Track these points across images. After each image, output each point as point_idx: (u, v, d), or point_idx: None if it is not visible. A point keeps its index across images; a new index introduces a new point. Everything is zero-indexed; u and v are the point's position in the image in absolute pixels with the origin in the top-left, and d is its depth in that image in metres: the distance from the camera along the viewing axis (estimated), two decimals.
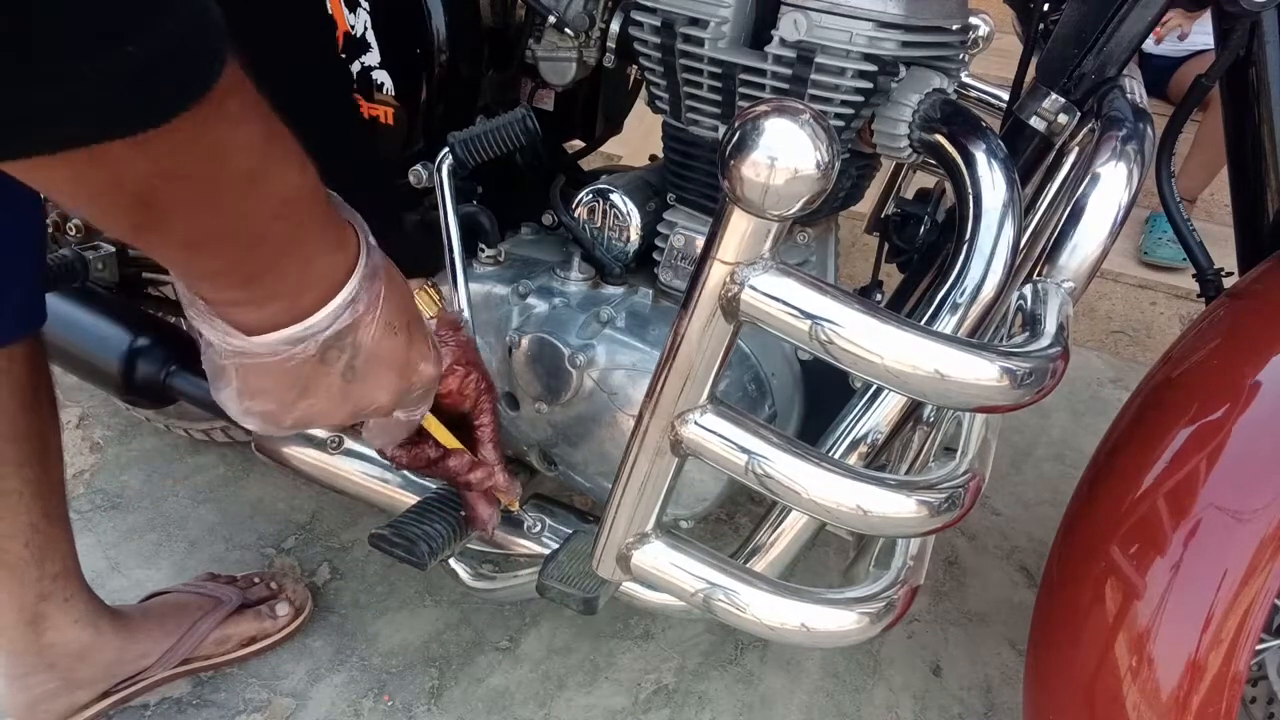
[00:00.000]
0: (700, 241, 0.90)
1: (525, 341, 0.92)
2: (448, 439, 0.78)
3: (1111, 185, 0.73)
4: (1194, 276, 0.92)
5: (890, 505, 0.62)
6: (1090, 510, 0.80)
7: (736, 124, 0.52)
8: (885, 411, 0.74)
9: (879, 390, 0.75)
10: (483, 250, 0.98)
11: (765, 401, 0.93)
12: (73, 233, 1.19)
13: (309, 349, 0.49)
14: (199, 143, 0.38)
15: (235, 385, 0.51)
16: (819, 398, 0.97)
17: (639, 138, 1.39)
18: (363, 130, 0.97)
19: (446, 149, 0.90)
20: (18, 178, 0.37)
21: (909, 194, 1.09)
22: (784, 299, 0.57)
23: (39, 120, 0.33)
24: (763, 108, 0.52)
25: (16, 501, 0.88)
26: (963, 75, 1.00)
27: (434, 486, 0.94)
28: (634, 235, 0.96)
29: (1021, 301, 0.70)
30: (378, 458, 1.01)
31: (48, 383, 0.90)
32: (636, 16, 0.86)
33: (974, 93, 1.18)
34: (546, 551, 0.91)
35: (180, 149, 0.38)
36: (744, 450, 0.63)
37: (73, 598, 0.97)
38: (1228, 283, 0.90)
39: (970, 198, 0.75)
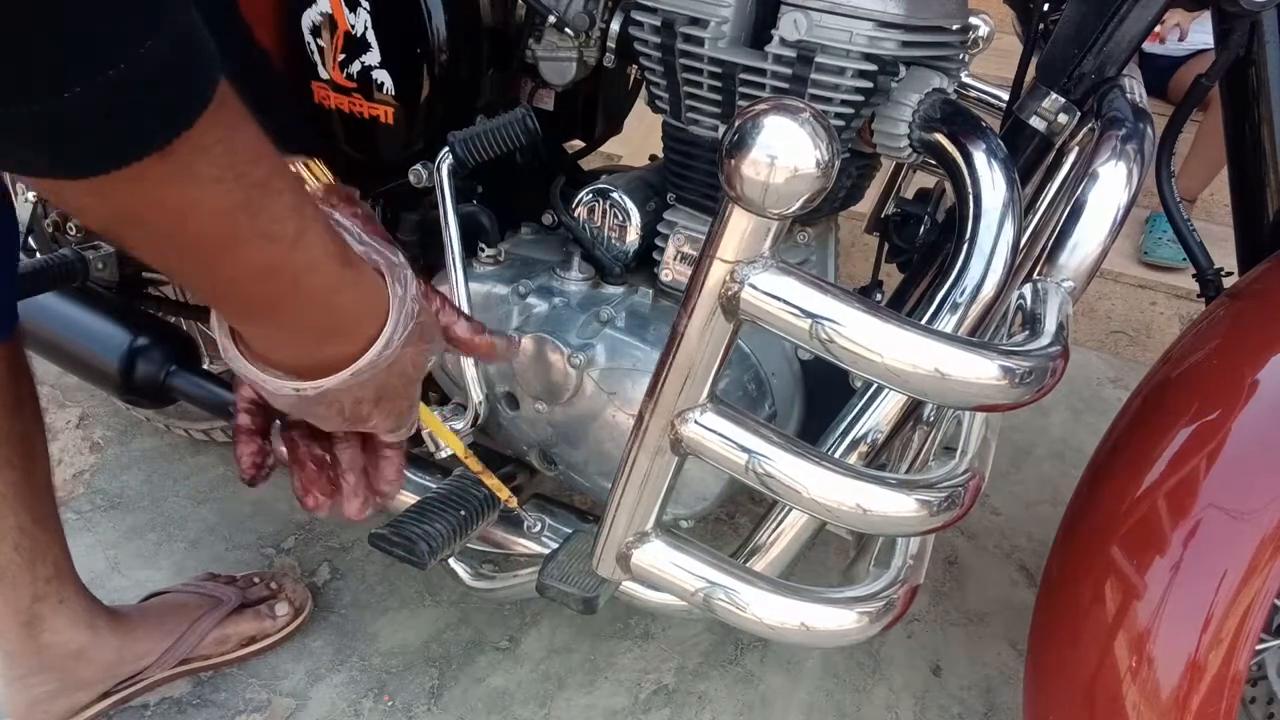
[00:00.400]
0: (700, 241, 0.90)
1: (525, 341, 0.92)
2: (441, 430, 0.78)
3: (1111, 185, 0.73)
4: (1194, 276, 0.92)
5: (890, 504, 0.62)
6: (1090, 510, 0.80)
7: (737, 122, 0.52)
8: (885, 411, 0.74)
9: (879, 389, 0.75)
10: (483, 250, 0.98)
11: (765, 401, 0.93)
12: (73, 233, 1.19)
13: (289, 395, 0.49)
14: (155, 196, 0.36)
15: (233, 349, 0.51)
16: (819, 397, 0.97)
17: (639, 138, 1.39)
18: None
19: (446, 149, 0.90)
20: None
21: (909, 194, 1.09)
22: (784, 298, 0.57)
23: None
24: (762, 106, 0.52)
25: (1, 505, 0.88)
26: (963, 75, 1.00)
27: (434, 486, 0.94)
28: (634, 235, 0.96)
29: (1021, 301, 0.70)
30: None
31: (29, 386, 0.90)
32: (636, 16, 0.86)
33: (974, 93, 1.18)
34: (546, 551, 0.91)
35: (135, 200, 0.36)
36: (744, 449, 0.63)
37: (68, 599, 0.97)
38: (1228, 283, 0.90)
39: (970, 197, 0.75)
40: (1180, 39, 2.59)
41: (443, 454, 0.92)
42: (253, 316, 0.46)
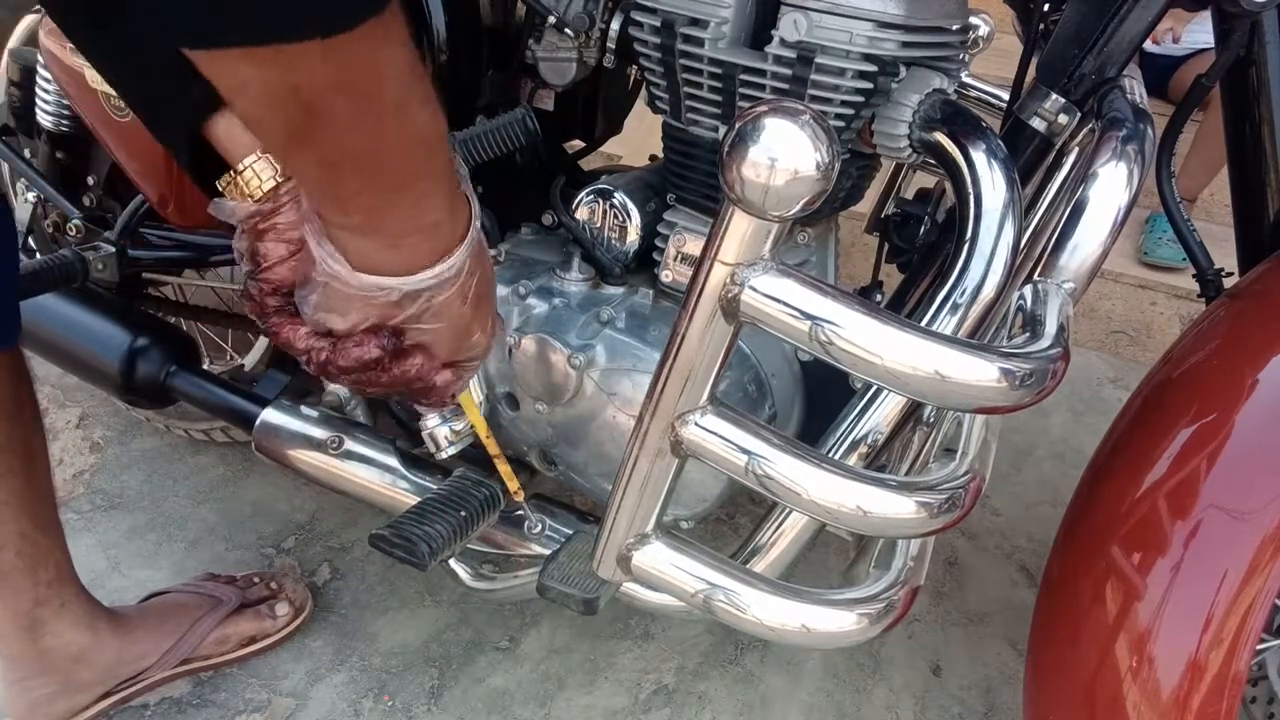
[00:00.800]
0: (700, 242, 0.90)
1: (525, 342, 0.92)
2: (469, 405, 0.79)
3: (1112, 185, 0.73)
4: (1194, 276, 0.92)
5: (890, 506, 0.62)
6: (1090, 510, 0.80)
7: (737, 124, 0.52)
8: (885, 412, 0.74)
9: (879, 391, 0.75)
10: None
11: (765, 402, 0.93)
12: (73, 233, 1.19)
13: (391, 295, 0.53)
14: (371, 57, 0.42)
15: (316, 298, 0.55)
16: (819, 398, 0.97)
17: (639, 138, 1.39)
18: None
19: None
20: (207, 71, 0.41)
21: (909, 194, 1.09)
22: (784, 300, 0.57)
23: (255, 13, 0.37)
24: (762, 108, 0.52)
25: (3, 511, 0.88)
26: (963, 75, 1.00)
27: (435, 487, 0.94)
28: (634, 235, 0.96)
29: (1021, 302, 0.70)
30: (378, 459, 1.01)
31: (29, 392, 0.90)
32: (636, 17, 0.86)
33: (974, 93, 1.17)
34: (547, 552, 0.91)
35: (356, 61, 0.41)
36: (744, 451, 0.63)
37: (69, 603, 0.97)
38: (1228, 283, 0.90)
39: (970, 198, 0.75)
40: (1175, 41, 2.58)
41: (443, 454, 0.92)
42: (401, 191, 0.50)
